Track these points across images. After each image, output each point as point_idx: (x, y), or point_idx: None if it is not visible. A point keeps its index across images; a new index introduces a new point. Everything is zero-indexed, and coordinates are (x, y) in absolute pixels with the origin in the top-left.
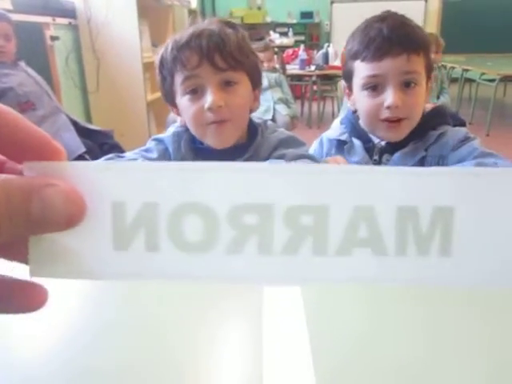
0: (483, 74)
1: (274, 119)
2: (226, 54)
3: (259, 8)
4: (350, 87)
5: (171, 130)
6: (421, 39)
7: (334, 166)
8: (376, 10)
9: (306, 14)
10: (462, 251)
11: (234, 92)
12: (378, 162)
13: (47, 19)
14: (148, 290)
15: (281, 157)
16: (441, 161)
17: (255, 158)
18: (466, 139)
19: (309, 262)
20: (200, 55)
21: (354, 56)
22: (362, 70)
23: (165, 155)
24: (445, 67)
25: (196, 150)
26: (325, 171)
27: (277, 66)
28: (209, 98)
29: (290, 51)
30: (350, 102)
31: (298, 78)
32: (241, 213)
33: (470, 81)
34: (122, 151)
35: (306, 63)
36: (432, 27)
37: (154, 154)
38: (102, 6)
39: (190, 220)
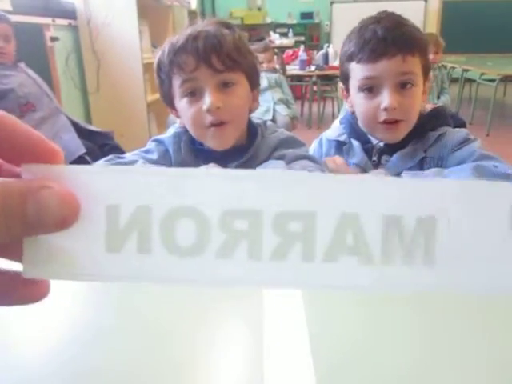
0: (483, 74)
1: (273, 120)
2: (222, 55)
3: (259, 8)
4: (347, 89)
5: (171, 130)
6: (416, 39)
7: (321, 174)
8: (376, 10)
9: (306, 15)
10: (445, 260)
11: (232, 93)
12: (377, 163)
13: (47, 20)
14: (148, 291)
15: (281, 157)
16: (440, 162)
17: (255, 158)
18: (465, 141)
19: (297, 268)
20: (197, 58)
21: (350, 58)
22: (357, 71)
23: (165, 156)
24: (445, 67)
25: (196, 151)
26: (312, 178)
27: (277, 66)
28: (207, 100)
29: (290, 52)
30: (348, 104)
31: (298, 78)
32: (231, 218)
33: (470, 81)
34: (122, 152)
35: (306, 64)
36: (432, 27)
37: (155, 155)
38: (102, 7)
39: (182, 224)
